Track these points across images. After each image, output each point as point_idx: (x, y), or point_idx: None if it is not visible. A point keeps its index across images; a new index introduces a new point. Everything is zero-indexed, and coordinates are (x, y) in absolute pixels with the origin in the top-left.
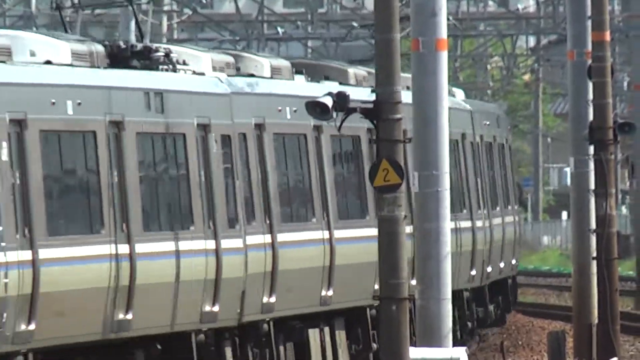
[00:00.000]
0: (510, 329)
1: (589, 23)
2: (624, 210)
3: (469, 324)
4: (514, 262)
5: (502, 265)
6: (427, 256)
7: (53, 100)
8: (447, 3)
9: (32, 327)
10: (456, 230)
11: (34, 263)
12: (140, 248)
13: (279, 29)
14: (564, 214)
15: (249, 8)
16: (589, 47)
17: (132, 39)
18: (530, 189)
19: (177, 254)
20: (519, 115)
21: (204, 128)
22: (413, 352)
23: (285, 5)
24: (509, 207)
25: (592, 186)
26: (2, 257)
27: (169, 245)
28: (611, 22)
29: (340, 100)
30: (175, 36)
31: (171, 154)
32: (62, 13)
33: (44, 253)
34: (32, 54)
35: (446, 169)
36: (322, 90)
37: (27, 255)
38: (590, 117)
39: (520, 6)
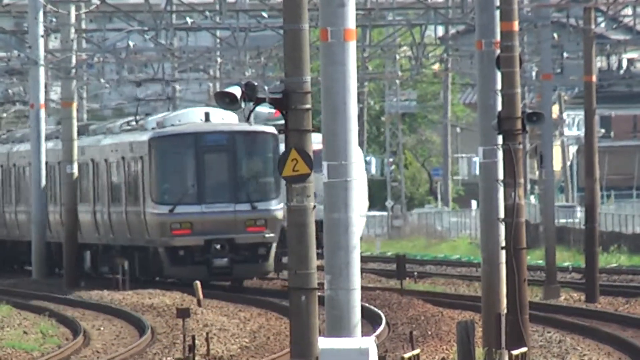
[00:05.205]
0: (420, 318)
1: (498, 13)
2: (532, 200)
3: None
4: None
5: None
6: (336, 246)
7: None
8: None
9: None
10: None
11: None
12: None
13: (188, 19)
14: (474, 204)
15: None
16: (498, 37)
17: (41, 29)
18: (439, 179)
19: None
20: (428, 105)
21: None
22: (322, 342)
23: None
24: None
25: (501, 176)
26: None
27: None
28: (519, 12)
29: (249, 90)
30: (83, 26)
31: None
32: None
33: None
34: None
35: (354, 159)
36: None
37: None
38: (499, 107)
39: None
